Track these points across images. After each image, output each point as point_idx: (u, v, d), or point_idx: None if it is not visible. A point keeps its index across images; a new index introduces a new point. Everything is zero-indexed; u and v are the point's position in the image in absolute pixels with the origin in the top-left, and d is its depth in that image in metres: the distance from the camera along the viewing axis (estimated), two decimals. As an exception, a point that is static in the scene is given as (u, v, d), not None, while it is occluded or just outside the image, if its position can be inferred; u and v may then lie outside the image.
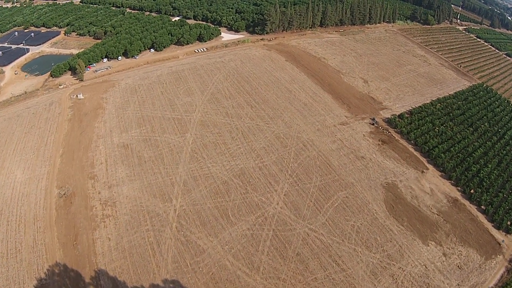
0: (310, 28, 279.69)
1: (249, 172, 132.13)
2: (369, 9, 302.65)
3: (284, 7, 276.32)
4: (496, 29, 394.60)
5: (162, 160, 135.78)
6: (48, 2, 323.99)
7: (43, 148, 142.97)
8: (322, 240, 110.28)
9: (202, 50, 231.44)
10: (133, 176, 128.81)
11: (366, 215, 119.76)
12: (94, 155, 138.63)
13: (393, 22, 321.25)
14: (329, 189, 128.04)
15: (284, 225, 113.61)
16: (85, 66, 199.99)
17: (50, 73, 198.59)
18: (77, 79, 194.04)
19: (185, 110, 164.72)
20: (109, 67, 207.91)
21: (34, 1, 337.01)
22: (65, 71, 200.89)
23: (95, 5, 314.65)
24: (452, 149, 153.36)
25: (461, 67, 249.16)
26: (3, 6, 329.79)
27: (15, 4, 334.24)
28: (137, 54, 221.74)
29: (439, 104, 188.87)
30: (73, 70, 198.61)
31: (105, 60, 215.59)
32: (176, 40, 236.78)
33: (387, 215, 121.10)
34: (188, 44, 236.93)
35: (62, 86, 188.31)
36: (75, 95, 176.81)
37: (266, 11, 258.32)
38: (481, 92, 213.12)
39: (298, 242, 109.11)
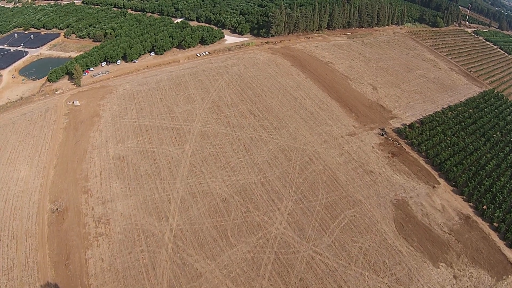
0: (316, 30, 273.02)
1: (251, 188, 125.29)
2: (378, 11, 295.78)
3: (290, 8, 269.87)
4: (505, 32, 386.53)
5: (159, 174, 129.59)
6: (49, 3, 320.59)
7: (37, 158, 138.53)
8: (327, 264, 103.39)
9: (204, 54, 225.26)
10: (128, 191, 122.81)
11: (375, 236, 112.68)
12: (88, 167, 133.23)
13: (402, 25, 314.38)
14: (335, 207, 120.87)
15: (287, 247, 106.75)
16: (83, 71, 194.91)
17: (47, 77, 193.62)
18: (74, 84, 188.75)
19: (185, 119, 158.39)
20: (108, 71, 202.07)
21: (36, 1, 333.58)
22: (62, 75, 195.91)
23: (96, 6, 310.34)
24: (464, 161, 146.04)
25: (471, 72, 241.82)
26: (5, 6, 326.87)
27: (17, 4, 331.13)
28: (137, 58, 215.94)
29: (450, 113, 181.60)
30: (71, 75, 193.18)
31: (103, 64, 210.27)
32: (177, 43, 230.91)
33: (397, 235, 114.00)
34: (190, 47, 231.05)
35: (58, 92, 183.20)
36: (71, 102, 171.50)
37: (271, 13, 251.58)
38: (492, 99, 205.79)
39: (302, 266, 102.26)
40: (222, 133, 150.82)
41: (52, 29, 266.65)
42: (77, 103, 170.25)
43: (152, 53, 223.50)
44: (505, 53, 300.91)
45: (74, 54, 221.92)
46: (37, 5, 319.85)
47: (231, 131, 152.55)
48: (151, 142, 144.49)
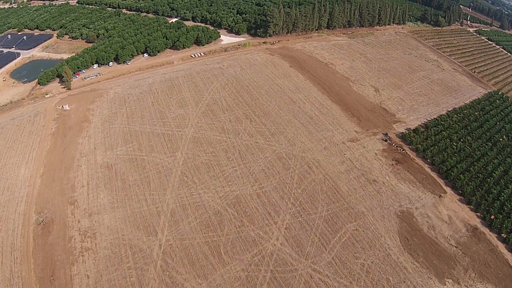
0: (316, 30, 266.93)
1: (246, 200, 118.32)
2: (379, 10, 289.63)
3: (288, 7, 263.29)
4: (506, 31, 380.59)
5: (148, 185, 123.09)
6: (44, 3, 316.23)
7: (24, 166, 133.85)
8: (327, 283, 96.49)
9: (199, 55, 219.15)
10: (115, 202, 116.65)
11: (378, 251, 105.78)
12: (75, 176, 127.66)
13: (403, 24, 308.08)
14: (336, 220, 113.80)
15: (284, 265, 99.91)
16: (74, 73, 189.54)
17: (37, 80, 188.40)
18: (64, 87, 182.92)
19: (177, 125, 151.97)
20: (99, 74, 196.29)
21: (31, 2, 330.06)
22: (53, 78, 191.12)
23: (91, 6, 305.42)
24: (471, 168, 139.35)
25: (475, 73, 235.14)
26: (1, 7, 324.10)
27: (13, 5, 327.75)
28: (129, 60, 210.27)
29: (455, 116, 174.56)
30: (61, 77, 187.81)
31: (95, 66, 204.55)
32: (171, 44, 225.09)
33: (401, 250, 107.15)
34: (185, 48, 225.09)
35: (48, 95, 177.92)
36: (61, 106, 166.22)
37: (269, 12, 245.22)
38: (498, 101, 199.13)
39: (300, 285, 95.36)
40: (216, 140, 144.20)
41: (46, 30, 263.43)
42: (66, 107, 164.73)
43: (145, 54, 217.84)
44: (508, 53, 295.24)
45: (66, 56, 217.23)
46: (32, 5, 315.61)
47: (225, 137, 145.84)
48: (141, 150, 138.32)
